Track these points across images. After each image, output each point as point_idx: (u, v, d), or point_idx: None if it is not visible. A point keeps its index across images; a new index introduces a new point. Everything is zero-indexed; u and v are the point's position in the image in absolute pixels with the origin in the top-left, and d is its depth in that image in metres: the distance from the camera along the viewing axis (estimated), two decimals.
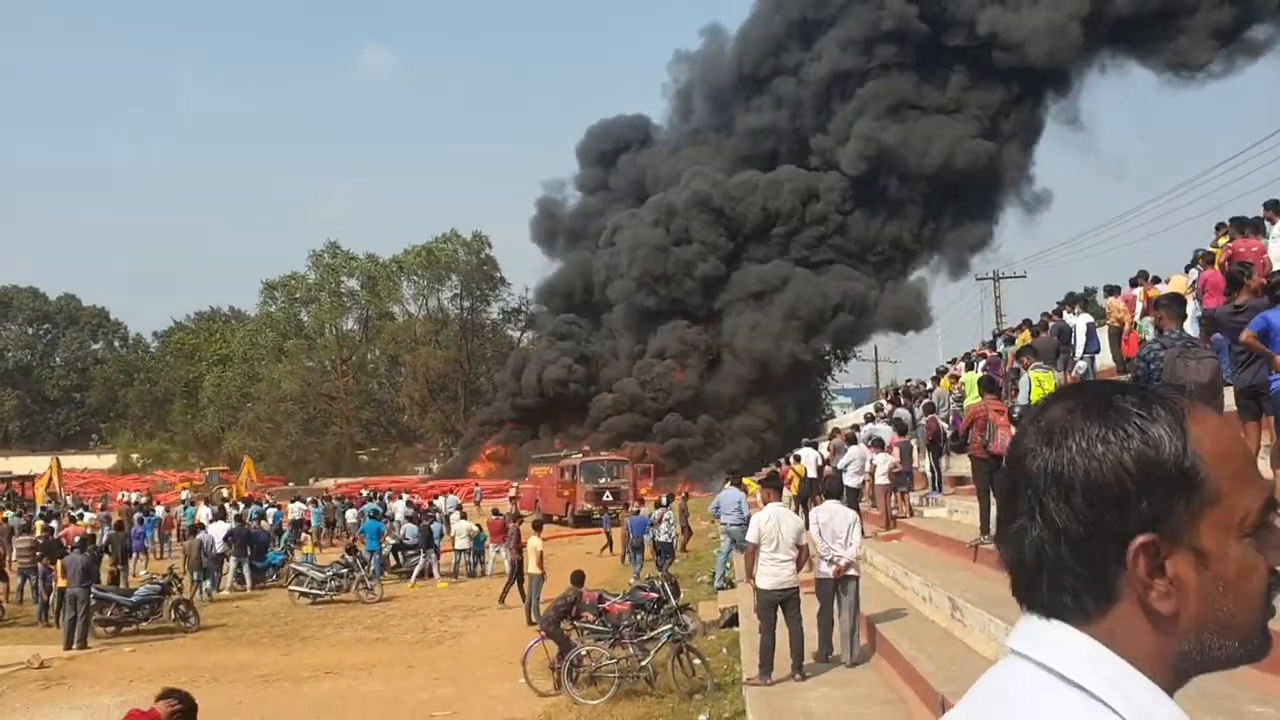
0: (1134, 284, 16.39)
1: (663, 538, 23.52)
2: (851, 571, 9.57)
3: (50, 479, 42.99)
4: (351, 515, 32.30)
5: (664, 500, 25.78)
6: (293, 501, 36.16)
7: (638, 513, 25.80)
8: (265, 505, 33.07)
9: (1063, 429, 0.97)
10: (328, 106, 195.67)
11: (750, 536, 9.54)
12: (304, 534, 28.60)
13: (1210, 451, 0.94)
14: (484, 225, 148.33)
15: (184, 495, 45.84)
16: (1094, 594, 0.95)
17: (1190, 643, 0.95)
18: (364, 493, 44.21)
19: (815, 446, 23.85)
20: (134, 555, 25.45)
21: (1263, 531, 0.95)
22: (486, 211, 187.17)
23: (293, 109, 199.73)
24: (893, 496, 16.98)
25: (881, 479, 16.09)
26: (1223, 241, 14.70)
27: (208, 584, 22.23)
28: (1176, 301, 8.02)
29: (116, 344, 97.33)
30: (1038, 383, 11.62)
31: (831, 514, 9.69)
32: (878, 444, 16.96)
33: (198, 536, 23.06)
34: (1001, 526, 1.02)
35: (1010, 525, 0.99)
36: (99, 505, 40.61)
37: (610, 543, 28.23)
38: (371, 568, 22.27)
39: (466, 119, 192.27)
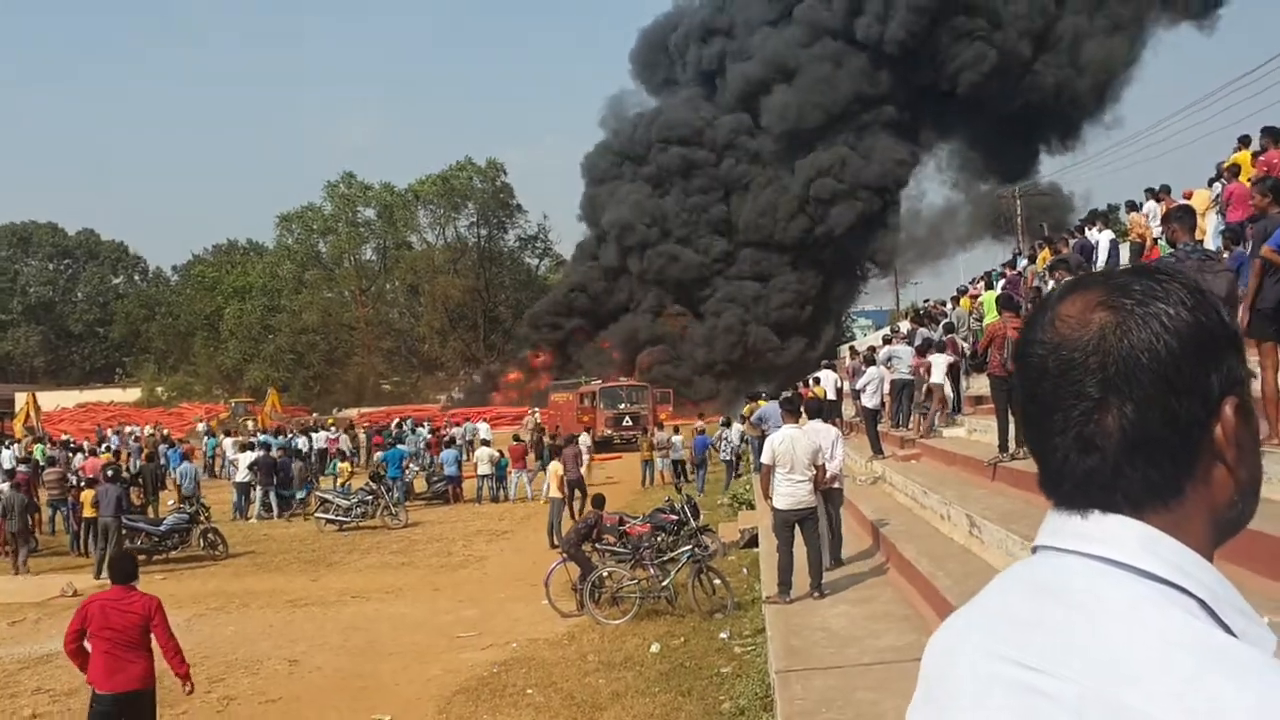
0: (1156, 198, 16.14)
1: (726, 456, 25.61)
2: (835, 484, 10.47)
3: (28, 413, 43.44)
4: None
5: (725, 420, 27.88)
6: (317, 430, 36.56)
7: (703, 431, 27.18)
8: (291, 436, 33.32)
9: (1136, 304, 0.94)
10: (344, 37, 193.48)
11: (765, 458, 9.60)
12: (341, 462, 28.77)
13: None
14: (500, 153, 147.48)
15: (200, 428, 46.23)
16: (1182, 469, 0.93)
17: (1237, 508, 0.96)
18: (397, 422, 44.19)
19: (834, 368, 23.85)
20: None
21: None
22: (508, 137, 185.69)
23: (308, 39, 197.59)
24: (914, 417, 16.98)
25: (939, 377, 15.98)
26: (1244, 155, 14.43)
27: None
28: (1188, 214, 7.90)
29: (137, 278, 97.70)
30: None
31: (815, 431, 10.17)
32: (938, 346, 17.03)
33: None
34: (1045, 425, 0.98)
35: (1077, 425, 0.95)
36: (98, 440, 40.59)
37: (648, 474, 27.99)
38: (395, 495, 22.53)
39: (482, 46, 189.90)
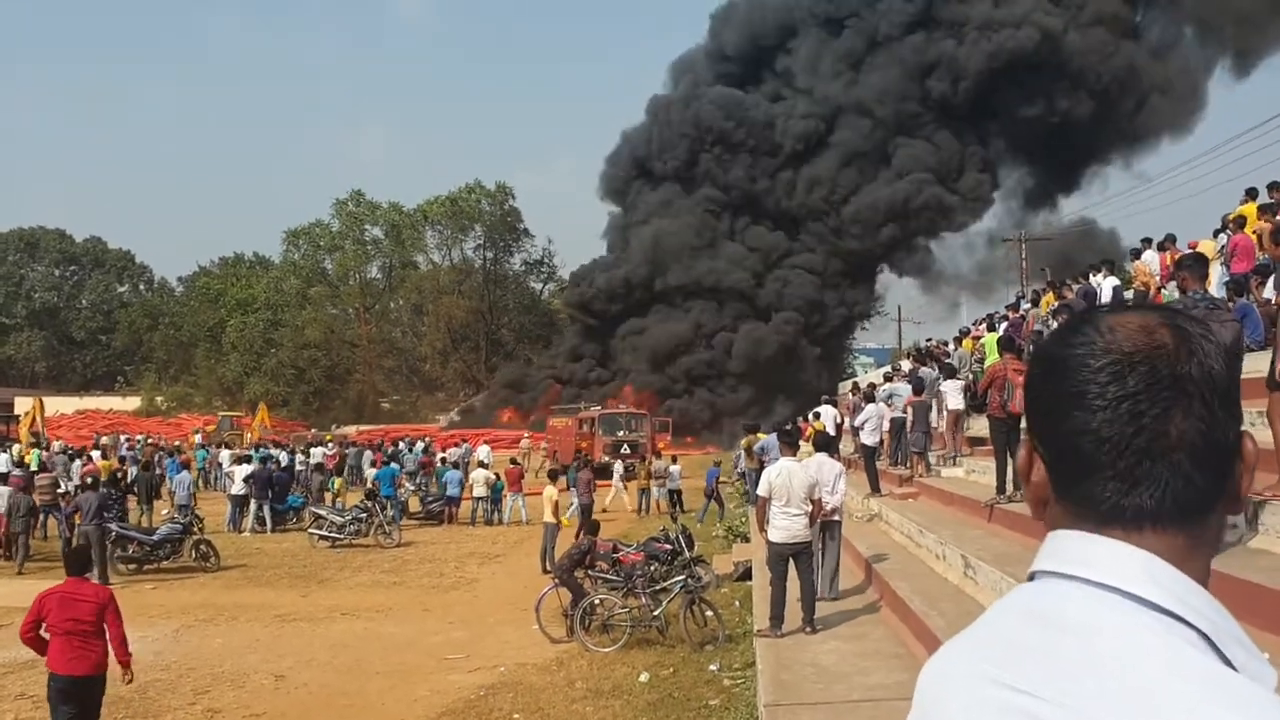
0: (1161, 248, 16.18)
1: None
2: (835, 517, 10.58)
3: (34, 418, 43.40)
4: (367, 460, 32.34)
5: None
6: (314, 446, 36.48)
7: (717, 464, 27.24)
8: (276, 449, 33.19)
9: (1193, 333, 0.96)
10: (357, 54, 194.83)
11: (761, 490, 9.57)
12: (335, 479, 28.70)
13: None
14: (511, 176, 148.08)
15: (196, 439, 46.14)
16: (1215, 490, 0.95)
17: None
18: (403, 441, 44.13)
19: (835, 404, 23.84)
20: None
21: None
22: (514, 162, 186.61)
23: (322, 57, 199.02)
24: (911, 457, 16.94)
25: (955, 403, 16.00)
26: (1250, 207, 14.48)
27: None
28: (1199, 262, 7.92)
29: (142, 287, 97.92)
30: None
31: (819, 465, 10.34)
32: (949, 370, 17.13)
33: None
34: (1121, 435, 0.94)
35: (1138, 437, 0.93)
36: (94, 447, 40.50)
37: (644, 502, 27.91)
38: (390, 513, 22.45)
39: (494, 69, 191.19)
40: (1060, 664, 0.87)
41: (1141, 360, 0.94)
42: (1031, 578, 0.99)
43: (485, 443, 40.31)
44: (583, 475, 21.80)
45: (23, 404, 77.45)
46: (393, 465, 26.26)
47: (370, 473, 27.63)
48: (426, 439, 41.77)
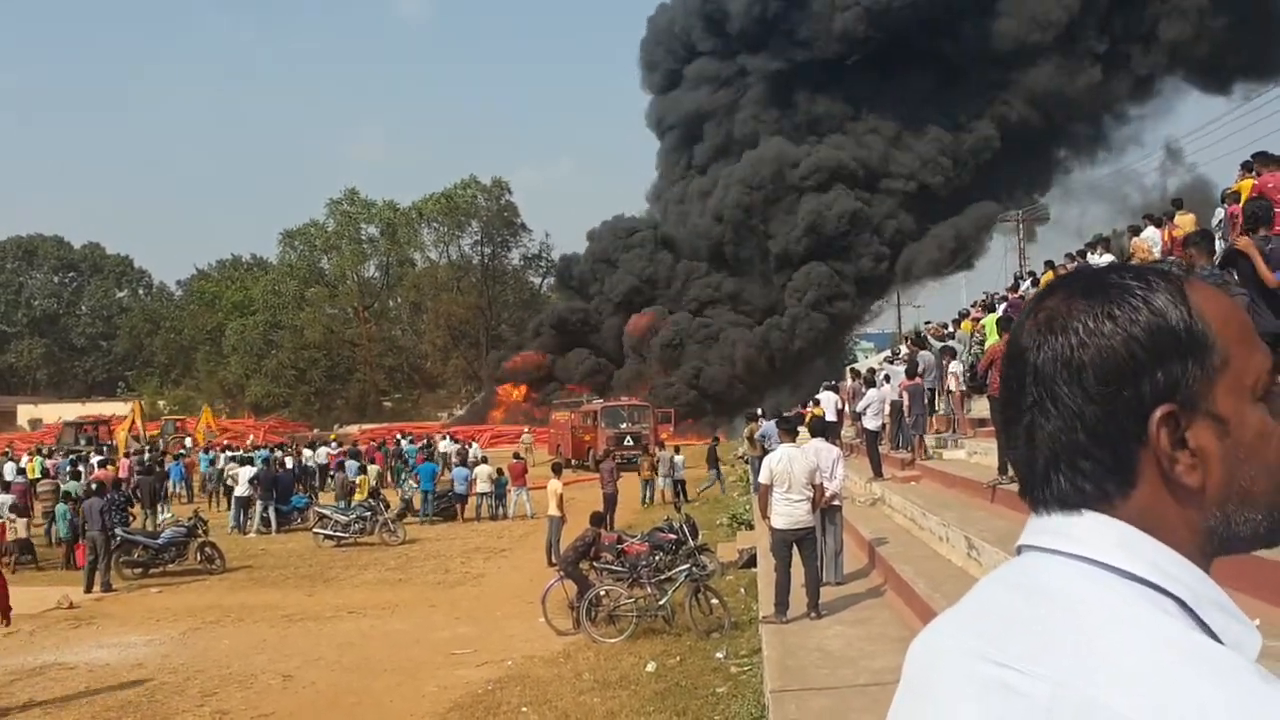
0: (1157, 224, 16.15)
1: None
2: (836, 502, 10.58)
3: (133, 422, 43.59)
4: (352, 465, 31.78)
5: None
6: (317, 446, 36.52)
7: (716, 439, 27.67)
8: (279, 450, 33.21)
9: (1064, 313, 0.94)
10: (354, 55, 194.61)
11: (762, 478, 9.59)
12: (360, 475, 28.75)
13: (1214, 315, 0.93)
14: (506, 173, 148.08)
15: (187, 442, 45.77)
16: (1116, 478, 0.92)
17: (1216, 518, 0.93)
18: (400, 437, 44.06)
19: (837, 389, 23.83)
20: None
21: (1273, 397, 0.94)
22: (511, 158, 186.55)
23: (320, 57, 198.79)
24: (912, 440, 16.94)
25: (953, 384, 16.14)
26: (1249, 181, 14.42)
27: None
28: (1206, 238, 7.92)
29: (141, 292, 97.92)
30: None
31: (817, 451, 10.26)
32: (950, 352, 17.32)
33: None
34: (1008, 429, 0.99)
35: (1018, 425, 0.97)
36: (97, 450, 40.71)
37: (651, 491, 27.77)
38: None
39: (494, 69, 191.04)
40: (1039, 636, 0.87)
41: (1019, 356, 0.97)
42: (1019, 552, 0.99)
43: (472, 439, 40.25)
44: (605, 465, 22.81)
45: (25, 411, 77.78)
46: (430, 463, 26.65)
47: (372, 468, 27.71)
48: (447, 435, 41.94)
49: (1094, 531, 0.92)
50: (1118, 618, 0.86)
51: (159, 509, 23.74)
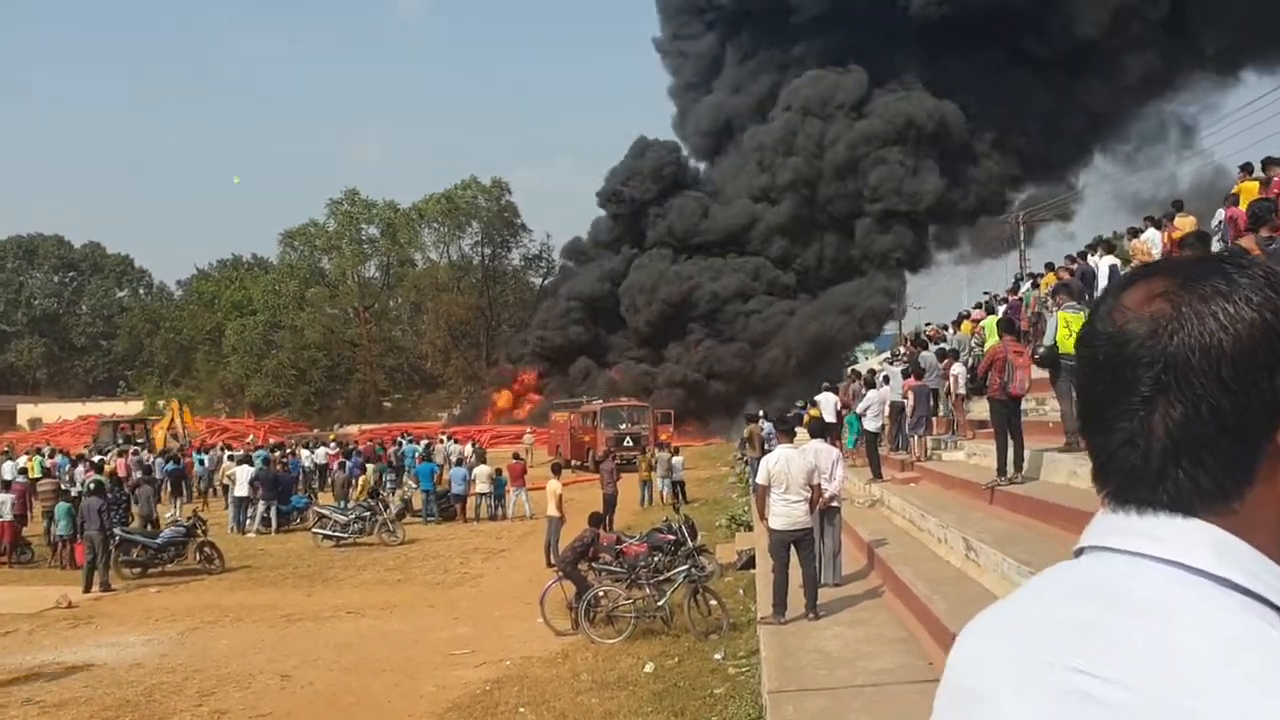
0: (1157, 226, 16.16)
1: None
2: (834, 503, 10.54)
3: (172, 419, 43.40)
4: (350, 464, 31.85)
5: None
6: (315, 447, 36.49)
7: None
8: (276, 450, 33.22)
9: (1196, 298, 0.88)
10: (354, 55, 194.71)
11: (760, 479, 9.58)
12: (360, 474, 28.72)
13: None
14: (507, 174, 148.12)
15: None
16: (1237, 474, 0.86)
17: None
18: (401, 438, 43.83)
19: (836, 390, 23.81)
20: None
21: None
22: (512, 159, 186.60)
23: (319, 57, 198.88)
24: (912, 439, 16.93)
25: (961, 387, 16.11)
26: (1249, 183, 14.45)
27: None
28: (1202, 240, 7.95)
29: (141, 292, 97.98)
30: (1065, 323, 11.25)
31: (816, 452, 10.25)
32: (953, 354, 17.34)
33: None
34: (1108, 426, 0.91)
35: (1126, 420, 0.89)
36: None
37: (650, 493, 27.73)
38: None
39: (494, 69, 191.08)
40: (1127, 645, 0.82)
41: (1126, 346, 0.89)
42: (1078, 554, 0.93)
43: (474, 441, 40.08)
44: (605, 465, 22.94)
45: (25, 411, 77.80)
46: (430, 462, 26.68)
47: (369, 469, 27.70)
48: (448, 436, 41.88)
49: (1185, 535, 0.87)
50: (1216, 627, 0.81)
51: (178, 504, 24.04)
